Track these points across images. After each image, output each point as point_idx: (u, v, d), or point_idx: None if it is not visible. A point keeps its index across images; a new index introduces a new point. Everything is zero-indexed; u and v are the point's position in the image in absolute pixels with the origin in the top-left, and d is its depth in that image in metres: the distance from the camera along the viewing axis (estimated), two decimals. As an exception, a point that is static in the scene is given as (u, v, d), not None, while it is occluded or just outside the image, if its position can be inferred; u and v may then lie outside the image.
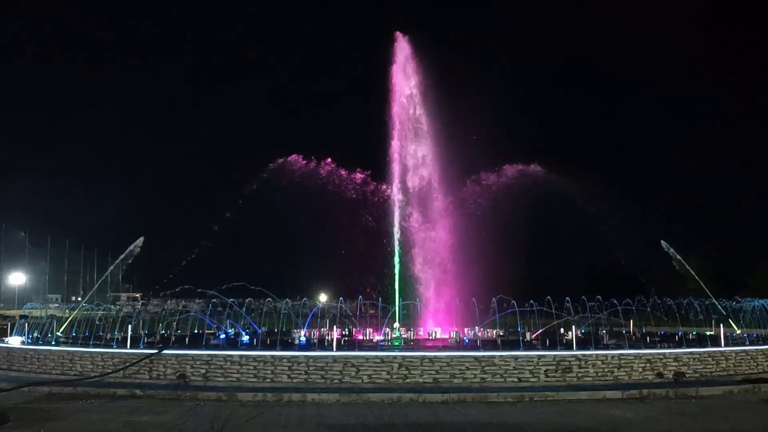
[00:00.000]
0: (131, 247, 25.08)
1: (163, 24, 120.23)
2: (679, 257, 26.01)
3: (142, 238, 25.23)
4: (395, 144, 26.47)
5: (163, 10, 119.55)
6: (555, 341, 18.67)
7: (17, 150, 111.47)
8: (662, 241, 26.80)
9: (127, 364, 15.12)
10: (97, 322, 21.29)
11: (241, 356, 14.91)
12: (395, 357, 14.79)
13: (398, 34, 27.43)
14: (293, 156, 26.64)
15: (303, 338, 20.55)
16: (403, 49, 27.27)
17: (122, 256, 25.44)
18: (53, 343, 19.20)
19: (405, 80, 26.99)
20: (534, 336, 21.32)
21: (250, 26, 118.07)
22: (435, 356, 14.86)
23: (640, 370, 15.26)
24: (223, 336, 21.29)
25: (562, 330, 21.47)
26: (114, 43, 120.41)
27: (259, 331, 22.23)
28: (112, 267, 25.58)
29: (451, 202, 26.79)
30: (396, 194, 26.04)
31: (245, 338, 20.72)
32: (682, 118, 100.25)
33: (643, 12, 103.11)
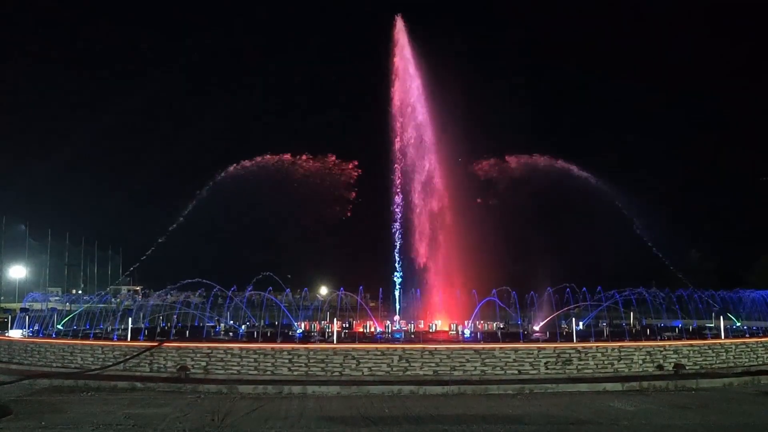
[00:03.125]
0: None
1: (162, 24, 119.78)
2: None
3: None
4: (396, 136, 26.44)
5: (162, 10, 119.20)
6: (555, 333, 18.69)
7: (18, 144, 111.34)
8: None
9: (128, 357, 15.13)
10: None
11: (241, 349, 14.92)
12: (395, 349, 14.80)
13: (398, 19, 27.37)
14: (301, 156, 26.80)
15: (300, 331, 20.58)
16: (402, 34, 27.21)
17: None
18: (54, 335, 19.22)
19: (406, 72, 26.91)
20: (538, 328, 21.35)
21: (249, 23, 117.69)
22: (435, 349, 14.88)
23: (640, 362, 15.28)
24: (219, 329, 21.33)
25: (563, 323, 21.49)
26: (115, 44, 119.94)
27: (256, 323, 22.27)
28: None
29: (452, 193, 26.77)
30: (396, 187, 26.02)
31: (242, 329, 20.79)
32: (684, 117, 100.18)
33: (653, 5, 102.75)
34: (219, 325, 21.95)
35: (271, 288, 23.53)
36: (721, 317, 19.45)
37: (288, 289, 24.28)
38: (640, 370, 15.16)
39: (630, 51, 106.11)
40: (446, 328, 22.23)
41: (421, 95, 26.83)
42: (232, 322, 22.97)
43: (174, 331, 19.75)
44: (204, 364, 14.74)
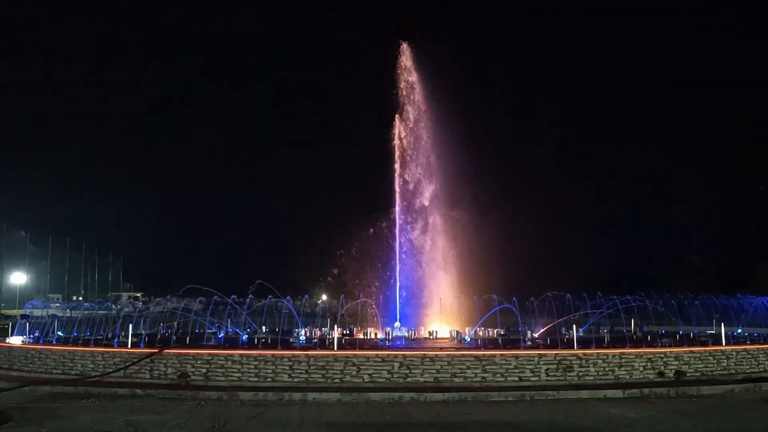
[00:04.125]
0: None
1: (163, 32, 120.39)
2: None
3: None
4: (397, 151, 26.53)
5: (164, 17, 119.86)
6: (556, 340, 18.66)
7: (20, 149, 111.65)
8: None
9: (128, 364, 15.12)
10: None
11: (242, 355, 14.91)
12: (396, 356, 14.78)
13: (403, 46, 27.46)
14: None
15: (303, 337, 20.54)
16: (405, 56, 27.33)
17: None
18: (54, 342, 19.20)
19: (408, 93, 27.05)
20: (538, 335, 21.31)
21: (252, 27, 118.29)
22: (436, 355, 14.86)
23: (641, 369, 15.25)
24: (221, 335, 21.29)
25: (564, 329, 21.46)
26: (115, 49, 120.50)
27: (258, 330, 22.23)
28: None
29: (452, 203, 26.81)
30: (398, 194, 26.07)
31: (244, 337, 20.72)
32: (681, 121, 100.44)
33: (648, 16, 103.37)
34: (220, 332, 21.88)
35: (271, 296, 23.53)
36: (722, 324, 19.40)
37: (288, 297, 24.29)
38: (641, 376, 15.13)
39: (629, 53, 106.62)
40: (446, 335, 22.18)
41: (419, 98, 26.92)
42: (232, 329, 22.93)
43: (174, 337, 19.72)
44: (204, 370, 14.72)
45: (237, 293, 23.52)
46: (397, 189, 26.08)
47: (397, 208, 25.95)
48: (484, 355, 14.97)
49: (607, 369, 15.07)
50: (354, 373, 14.49)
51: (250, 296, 22.96)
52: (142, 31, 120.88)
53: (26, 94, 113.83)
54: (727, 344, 17.50)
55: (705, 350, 16.20)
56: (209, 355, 15.00)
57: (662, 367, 15.33)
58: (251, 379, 14.54)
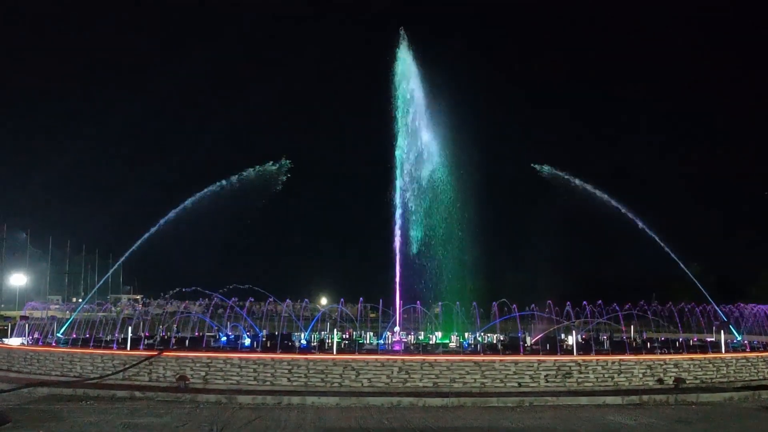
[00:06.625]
0: None
1: (165, 28, 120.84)
2: None
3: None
4: (399, 142, 26.52)
5: (163, 22, 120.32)
6: (555, 346, 18.62)
7: (20, 152, 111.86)
8: None
9: (127, 366, 15.12)
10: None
11: (240, 359, 14.91)
12: (395, 361, 14.77)
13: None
14: None
15: (304, 341, 20.51)
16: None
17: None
18: (53, 344, 19.19)
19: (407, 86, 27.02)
20: (533, 341, 21.28)
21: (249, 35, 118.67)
22: (435, 360, 14.85)
23: (641, 375, 15.24)
24: (224, 339, 21.24)
25: (563, 335, 21.43)
26: (115, 54, 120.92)
27: (260, 333, 22.20)
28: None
29: (452, 204, 26.82)
30: (398, 200, 26.09)
31: (246, 341, 20.67)
32: (680, 128, 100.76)
33: (650, 19, 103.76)
34: (220, 335, 21.80)
35: (272, 298, 23.50)
36: (722, 331, 19.38)
37: (288, 299, 24.28)
38: (641, 383, 15.12)
39: (626, 59, 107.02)
40: (446, 340, 22.15)
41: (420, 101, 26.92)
42: (233, 333, 22.88)
43: (174, 340, 19.71)
44: (203, 373, 14.72)
45: (238, 296, 23.51)
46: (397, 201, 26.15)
47: (397, 217, 25.97)
48: (483, 360, 14.96)
49: (606, 375, 15.06)
50: (353, 377, 14.48)
51: (251, 298, 22.87)
52: (143, 33, 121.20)
53: (26, 94, 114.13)
54: (726, 352, 17.48)
55: (704, 357, 16.19)
56: (208, 358, 15.00)
57: (662, 374, 15.32)
58: (250, 382, 14.53)
